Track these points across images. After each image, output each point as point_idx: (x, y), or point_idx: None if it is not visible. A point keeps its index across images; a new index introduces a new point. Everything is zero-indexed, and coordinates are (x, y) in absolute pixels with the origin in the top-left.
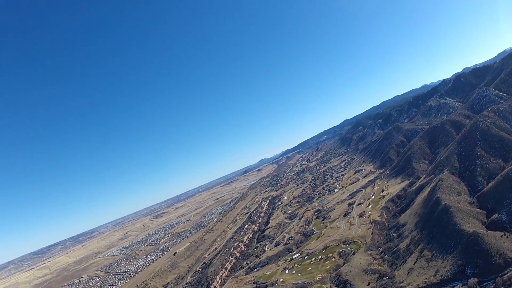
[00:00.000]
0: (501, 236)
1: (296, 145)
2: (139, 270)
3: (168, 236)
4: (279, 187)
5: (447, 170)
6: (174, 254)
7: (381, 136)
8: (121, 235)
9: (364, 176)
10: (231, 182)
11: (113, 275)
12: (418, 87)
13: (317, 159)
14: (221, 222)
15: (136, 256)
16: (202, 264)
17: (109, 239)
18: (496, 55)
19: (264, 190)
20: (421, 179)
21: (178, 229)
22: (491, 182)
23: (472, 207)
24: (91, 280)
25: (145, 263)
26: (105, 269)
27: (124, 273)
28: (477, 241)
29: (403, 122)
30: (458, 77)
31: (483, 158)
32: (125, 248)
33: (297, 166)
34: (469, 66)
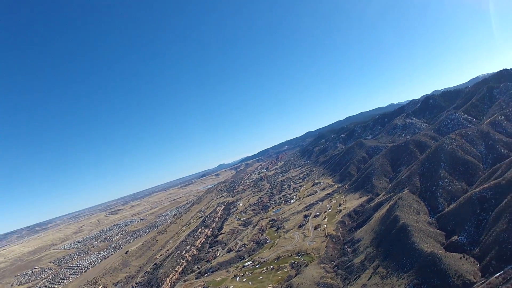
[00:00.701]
0: (460, 258)
1: (256, 152)
2: (91, 265)
3: (122, 234)
4: (236, 194)
5: (407, 189)
6: (126, 253)
7: (343, 151)
8: (75, 229)
9: (322, 189)
10: (188, 184)
11: (65, 268)
12: (384, 106)
13: (276, 168)
14: (175, 224)
15: (88, 251)
16: (153, 265)
17: (64, 232)
18: (468, 80)
19: (221, 195)
20: (380, 196)
21: (132, 227)
22: (452, 204)
23: (431, 227)
24: (43, 272)
25: (97, 259)
26: (58, 262)
27: (76, 268)
28: (435, 262)
29: (366, 139)
30: (427, 98)
31: (446, 180)
32: (78, 242)
33: (255, 174)
34: (439, 89)
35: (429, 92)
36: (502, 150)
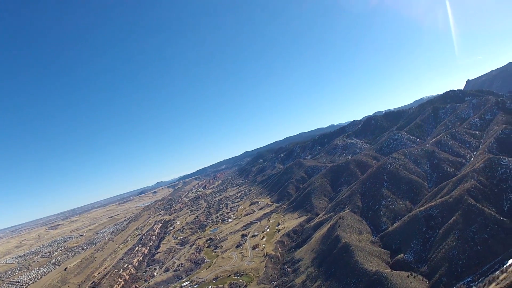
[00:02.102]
0: (408, 276)
1: (194, 171)
2: (31, 281)
3: (61, 250)
4: (173, 212)
5: (348, 209)
6: (64, 269)
7: (281, 170)
8: (17, 243)
9: (260, 209)
10: (126, 201)
11: (7, 284)
12: (325, 127)
13: (213, 187)
14: (113, 241)
15: (29, 266)
16: (92, 283)
17: (5, 246)
18: (412, 102)
19: (158, 213)
20: (320, 215)
21: (71, 243)
22: (396, 222)
23: (375, 246)
24: None
25: (37, 275)
26: (0, 277)
27: (17, 283)
28: (381, 280)
29: (305, 159)
30: (369, 119)
31: (389, 199)
32: (19, 257)
33: (193, 192)
34: (382, 110)
35: (371, 113)
36: (448, 168)
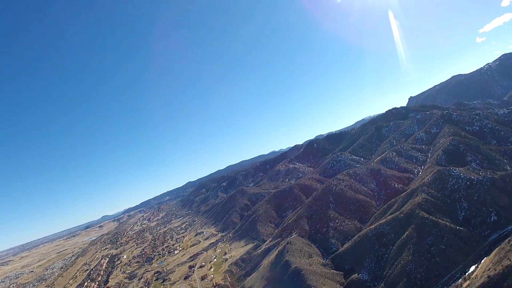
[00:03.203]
0: None
1: (139, 203)
2: None
3: (14, 286)
4: (119, 245)
5: (296, 233)
6: None
7: (225, 199)
8: None
9: (206, 239)
10: (74, 236)
11: None
12: (266, 153)
13: (158, 219)
14: (62, 277)
15: None
16: None
17: None
18: (354, 123)
19: (105, 247)
20: (267, 242)
21: (22, 279)
22: (347, 243)
23: (327, 268)
24: None
25: None
26: None
27: None
28: None
29: (248, 186)
30: (310, 143)
31: (337, 220)
32: None
33: (137, 225)
34: (323, 133)
35: (312, 137)
36: (396, 185)
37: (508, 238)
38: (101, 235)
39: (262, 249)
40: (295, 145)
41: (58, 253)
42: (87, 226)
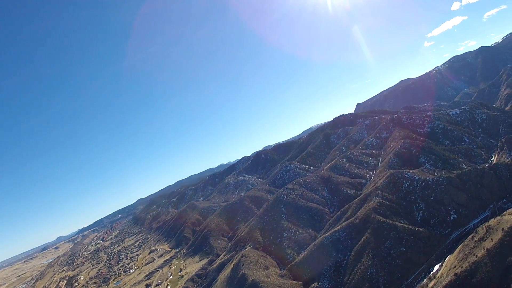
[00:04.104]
0: None
1: (92, 223)
2: None
3: None
4: (76, 267)
5: (249, 246)
6: None
7: (176, 215)
8: None
9: (160, 256)
10: (31, 258)
11: None
12: (215, 166)
13: (111, 238)
14: None
15: None
16: None
17: None
18: (301, 132)
19: (62, 269)
20: (221, 256)
21: None
22: (303, 252)
23: (285, 279)
24: None
25: None
26: None
27: None
28: None
29: (198, 200)
30: (258, 154)
31: (291, 230)
32: None
33: (92, 245)
34: (271, 144)
35: (260, 148)
36: (349, 191)
37: (471, 235)
38: (58, 257)
39: (217, 263)
40: (243, 157)
41: (17, 277)
42: (44, 248)
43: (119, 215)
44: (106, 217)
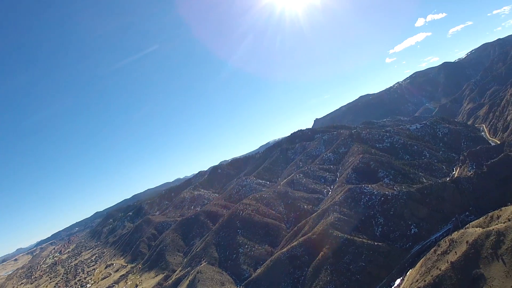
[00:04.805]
0: None
1: (50, 235)
2: None
3: None
4: (34, 280)
5: (205, 262)
6: None
7: (131, 229)
8: None
9: (116, 271)
10: None
11: None
12: (171, 181)
13: (69, 251)
14: None
15: None
16: None
17: None
18: (258, 147)
19: (21, 282)
20: (177, 272)
21: None
22: (259, 268)
23: None
24: None
25: None
26: None
27: None
28: None
29: (154, 215)
30: (215, 168)
31: (247, 246)
32: None
33: (50, 258)
34: (227, 159)
35: (217, 163)
36: (305, 206)
37: (433, 248)
38: (17, 269)
39: (173, 279)
40: (199, 172)
41: None
42: (3, 260)
43: (76, 228)
44: (64, 230)
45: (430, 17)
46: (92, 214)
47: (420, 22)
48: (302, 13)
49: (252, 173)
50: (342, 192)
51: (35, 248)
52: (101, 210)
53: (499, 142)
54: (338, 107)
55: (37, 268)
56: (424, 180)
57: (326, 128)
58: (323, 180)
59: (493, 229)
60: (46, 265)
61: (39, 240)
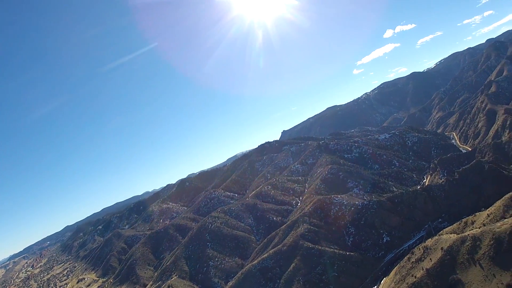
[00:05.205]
0: None
1: (22, 249)
2: None
3: None
4: None
5: (176, 275)
6: None
7: (101, 243)
8: None
9: (88, 285)
10: None
11: None
12: (140, 194)
13: (41, 266)
14: None
15: None
16: None
17: None
18: (225, 160)
19: None
20: (147, 286)
21: None
22: (230, 281)
23: None
24: None
25: None
26: None
27: None
28: None
29: (123, 229)
30: (183, 181)
31: (217, 259)
32: None
33: (23, 272)
34: (195, 172)
35: (185, 176)
36: (275, 218)
37: (407, 256)
38: None
39: None
40: (167, 185)
41: None
42: None
43: (48, 242)
44: (36, 244)
45: (398, 28)
46: (62, 227)
47: (388, 33)
48: (271, 25)
49: (220, 186)
50: (311, 203)
51: (8, 262)
52: (71, 223)
53: (470, 149)
54: (305, 119)
55: (11, 282)
56: (395, 189)
57: (293, 140)
58: (291, 192)
59: (468, 234)
60: (19, 280)
61: (12, 254)
